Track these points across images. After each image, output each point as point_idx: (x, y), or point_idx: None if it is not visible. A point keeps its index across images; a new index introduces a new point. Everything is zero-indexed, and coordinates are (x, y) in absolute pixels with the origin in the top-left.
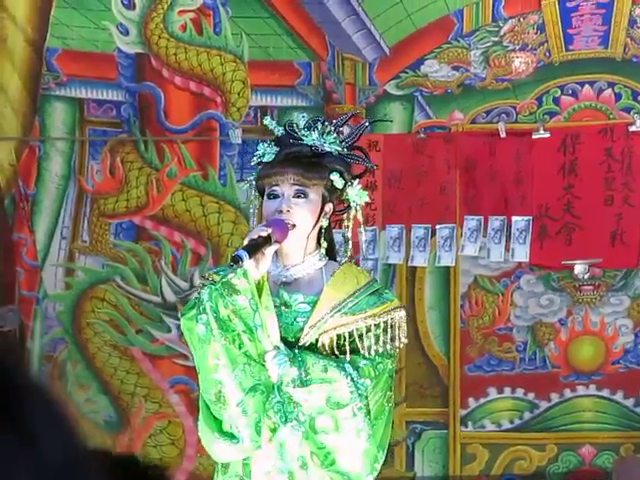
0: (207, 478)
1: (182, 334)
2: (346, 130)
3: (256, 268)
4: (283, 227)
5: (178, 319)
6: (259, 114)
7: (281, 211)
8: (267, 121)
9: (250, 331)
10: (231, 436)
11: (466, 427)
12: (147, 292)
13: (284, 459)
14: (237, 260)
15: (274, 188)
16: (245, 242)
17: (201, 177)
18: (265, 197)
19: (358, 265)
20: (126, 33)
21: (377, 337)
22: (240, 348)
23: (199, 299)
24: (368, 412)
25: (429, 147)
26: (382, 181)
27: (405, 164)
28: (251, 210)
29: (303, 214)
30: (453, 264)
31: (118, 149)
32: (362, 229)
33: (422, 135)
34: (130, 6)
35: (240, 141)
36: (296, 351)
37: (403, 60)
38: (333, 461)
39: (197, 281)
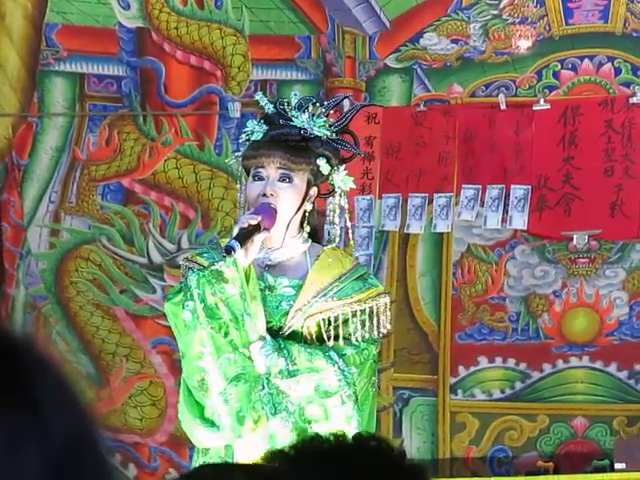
0: (188, 439)
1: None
2: (347, 104)
3: (245, 256)
4: (271, 214)
5: (163, 280)
6: (259, 88)
7: (265, 194)
8: (259, 96)
9: (236, 320)
10: (212, 423)
11: (456, 395)
12: (133, 253)
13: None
14: (229, 251)
15: (259, 170)
16: (235, 231)
17: (197, 147)
18: (250, 178)
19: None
20: (127, 7)
21: (363, 322)
22: (226, 336)
23: (186, 285)
24: (356, 399)
25: (428, 119)
26: (380, 152)
27: (404, 136)
28: (238, 185)
29: (286, 198)
30: (449, 230)
31: (117, 123)
32: (348, 222)
33: (422, 107)
34: None
35: (239, 115)
36: (281, 341)
37: (403, 33)
38: None
39: (181, 261)
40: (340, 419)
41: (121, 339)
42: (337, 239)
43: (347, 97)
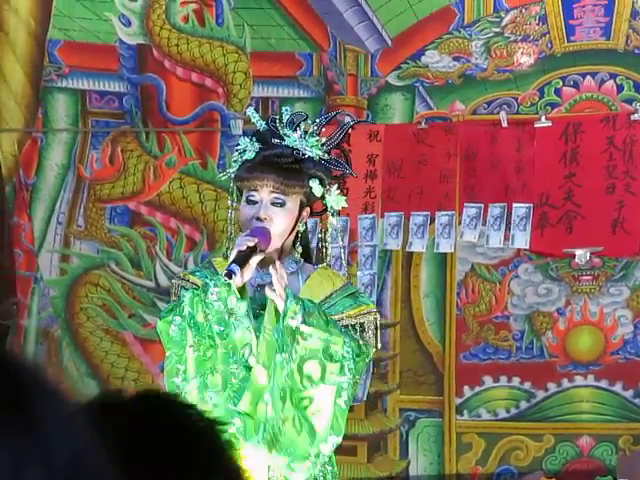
0: None
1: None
2: (347, 118)
3: (241, 277)
4: (267, 236)
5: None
6: (261, 105)
7: (258, 218)
8: (250, 112)
9: (221, 337)
10: None
11: (462, 416)
12: (141, 277)
13: (273, 383)
14: (230, 275)
15: (252, 193)
16: (233, 254)
17: (200, 166)
18: (243, 201)
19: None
20: (128, 24)
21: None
22: (208, 359)
23: (180, 301)
24: (355, 381)
25: (430, 137)
26: (382, 170)
27: (406, 154)
28: (229, 202)
29: (280, 223)
30: (452, 250)
31: (120, 140)
32: (339, 239)
33: (423, 125)
34: None
35: (241, 132)
36: (304, 299)
37: (405, 51)
38: (306, 407)
39: (173, 280)
40: (333, 387)
41: (130, 363)
42: (328, 258)
43: (339, 113)
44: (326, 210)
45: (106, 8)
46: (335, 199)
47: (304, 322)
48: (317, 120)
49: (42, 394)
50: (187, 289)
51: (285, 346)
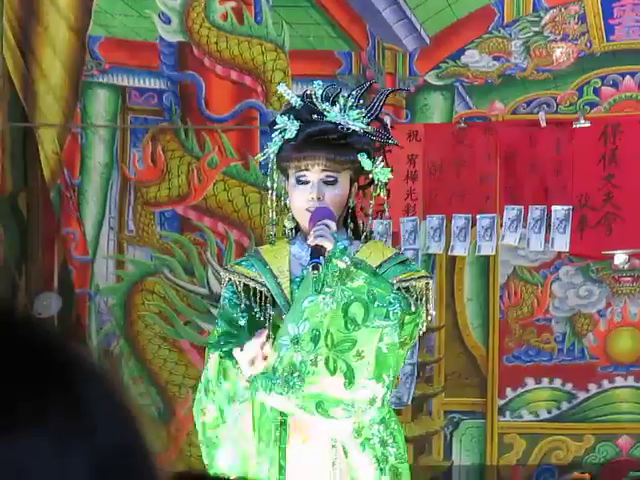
0: None
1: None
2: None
3: (250, 367)
4: (331, 215)
5: None
6: None
7: (313, 198)
8: (282, 88)
9: (222, 418)
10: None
11: (504, 417)
12: (194, 284)
13: (296, 321)
14: (317, 267)
15: (303, 173)
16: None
17: (242, 167)
18: (294, 181)
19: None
20: (168, 22)
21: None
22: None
23: (226, 354)
24: (402, 325)
25: (469, 137)
26: (423, 171)
27: (446, 154)
28: (269, 183)
29: (334, 200)
30: (493, 253)
31: (159, 137)
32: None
33: (462, 124)
34: None
35: None
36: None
37: (443, 50)
38: (348, 349)
39: (221, 272)
40: (377, 330)
41: (187, 370)
42: (373, 233)
43: (372, 83)
44: (372, 183)
45: (147, 5)
46: (381, 171)
47: (354, 264)
48: (353, 92)
49: (91, 381)
50: (232, 282)
51: (326, 286)
